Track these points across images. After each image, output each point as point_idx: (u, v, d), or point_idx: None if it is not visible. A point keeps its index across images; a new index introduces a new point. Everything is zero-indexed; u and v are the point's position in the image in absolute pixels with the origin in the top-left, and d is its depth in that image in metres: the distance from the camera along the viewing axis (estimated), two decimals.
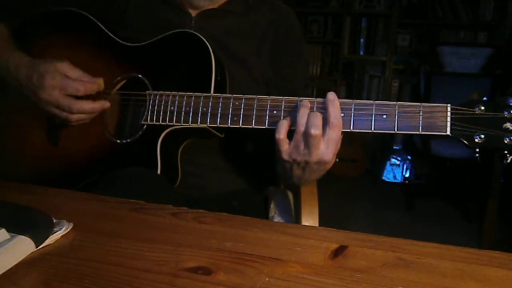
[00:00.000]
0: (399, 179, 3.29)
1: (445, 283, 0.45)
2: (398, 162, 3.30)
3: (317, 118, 0.69)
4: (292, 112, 0.74)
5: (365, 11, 3.66)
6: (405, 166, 3.30)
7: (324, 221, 0.93)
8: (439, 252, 0.51)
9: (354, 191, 3.24)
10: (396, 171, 3.31)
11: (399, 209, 2.89)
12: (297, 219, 1.00)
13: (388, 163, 3.32)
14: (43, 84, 0.80)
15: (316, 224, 0.96)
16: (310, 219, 0.97)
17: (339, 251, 0.51)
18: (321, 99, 0.73)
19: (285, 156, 0.73)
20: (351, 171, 3.38)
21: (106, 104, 0.84)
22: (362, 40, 3.71)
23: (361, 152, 3.42)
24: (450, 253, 0.51)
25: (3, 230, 0.50)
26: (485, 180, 2.33)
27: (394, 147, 3.33)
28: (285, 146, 0.73)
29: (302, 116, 0.71)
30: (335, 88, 3.73)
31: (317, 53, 3.80)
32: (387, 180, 3.31)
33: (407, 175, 3.27)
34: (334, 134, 0.70)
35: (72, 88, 0.80)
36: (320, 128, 0.69)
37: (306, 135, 0.70)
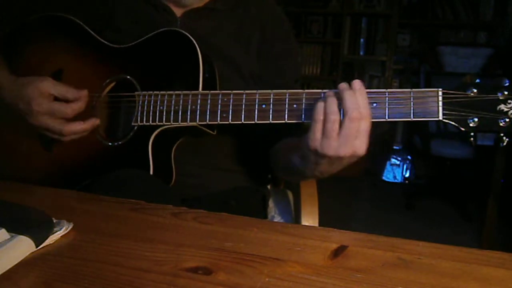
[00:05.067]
0: (399, 179, 3.30)
1: (445, 283, 0.45)
2: (398, 162, 3.31)
3: (359, 99, 0.64)
4: (308, 104, 0.70)
5: (365, 11, 3.67)
6: (405, 166, 3.30)
7: (324, 221, 0.93)
8: (439, 252, 0.51)
9: (354, 191, 3.24)
10: (396, 171, 3.31)
11: (399, 209, 2.89)
12: (297, 219, 1.01)
13: (388, 163, 3.33)
14: (31, 111, 0.81)
15: (316, 224, 0.96)
16: (310, 219, 0.97)
17: (339, 251, 0.51)
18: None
19: (317, 147, 0.67)
20: (351, 171, 3.37)
21: (96, 122, 0.85)
22: (362, 40, 3.71)
23: None
24: (450, 253, 0.51)
25: (3, 230, 0.50)
26: (485, 180, 2.33)
27: (394, 147, 3.33)
28: (318, 133, 0.67)
29: (331, 103, 0.66)
30: (335, 88, 3.72)
31: (317, 53, 3.80)
32: (387, 180, 3.31)
33: (407, 175, 3.28)
34: (367, 124, 0.66)
35: (60, 113, 0.81)
36: (361, 111, 0.64)
37: (347, 119, 0.64)
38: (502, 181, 2.24)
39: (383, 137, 3.50)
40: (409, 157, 3.29)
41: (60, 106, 0.82)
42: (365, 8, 3.65)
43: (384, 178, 3.32)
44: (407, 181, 3.25)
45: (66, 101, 0.83)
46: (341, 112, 0.66)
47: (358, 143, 0.66)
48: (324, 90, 0.71)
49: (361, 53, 3.73)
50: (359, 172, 3.43)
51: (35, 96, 0.81)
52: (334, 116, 0.65)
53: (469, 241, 2.38)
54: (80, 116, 0.84)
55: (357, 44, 3.72)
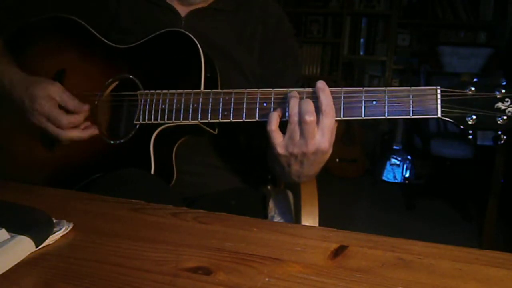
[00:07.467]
0: (399, 179, 3.29)
1: (445, 283, 0.45)
2: (398, 162, 3.30)
3: (309, 105, 0.69)
4: (282, 104, 0.73)
5: (365, 11, 3.67)
6: (405, 166, 3.29)
7: (324, 221, 0.93)
8: (439, 252, 0.51)
9: (354, 191, 3.24)
10: (396, 171, 3.30)
11: (399, 209, 2.89)
12: (297, 219, 1.00)
13: (388, 163, 3.32)
14: (33, 109, 0.84)
15: (316, 224, 0.96)
16: (310, 219, 0.97)
17: (339, 251, 0.51)
18: (310, 88, 0.72)
19: (281, 149, 0.72)
20: (351, 171, 3.38)
21: (94, 132, 0.86)
22: (362, 40, 3.72)
23: (361, 152, 3.41)
24: (450, 253, 0.51)
25: (3, 230, 0.50)
26: (485, 180, 2.33)
27: (394, 147, 3.32)
28: (279, 139, 0.72)
29: (293, 105, 0.70)
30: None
31: (317, 53, 3.80)
32: (387, 180, 3.31)
33: (407, 175, 3.27)
34: (328, 121, 0.69)
35: (55, 121, 0.84)
36: (314, 114, 0.68)
37: (301, 123, 0.69)
38: (502, 181, 2.25)
39: (383, 137, 3.51)
40: (409, 157, 3.28)
41: (58, 114, 0.84)
42: (365, 8, 3.65)
43: (384, 178, 3.31)
44: (407, 181, 3.25)
45: (67, 110, 0.85)
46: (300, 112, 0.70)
47: (319, 138, 0.69)
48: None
49: (361, 53, 3.74)
50: (359, 172, 3.43)
51: (42, 96, 0.83)
52: (295, 118, 0.70)
53: (469, 241, 2.38)
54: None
55: (357, 44, 3.72)
